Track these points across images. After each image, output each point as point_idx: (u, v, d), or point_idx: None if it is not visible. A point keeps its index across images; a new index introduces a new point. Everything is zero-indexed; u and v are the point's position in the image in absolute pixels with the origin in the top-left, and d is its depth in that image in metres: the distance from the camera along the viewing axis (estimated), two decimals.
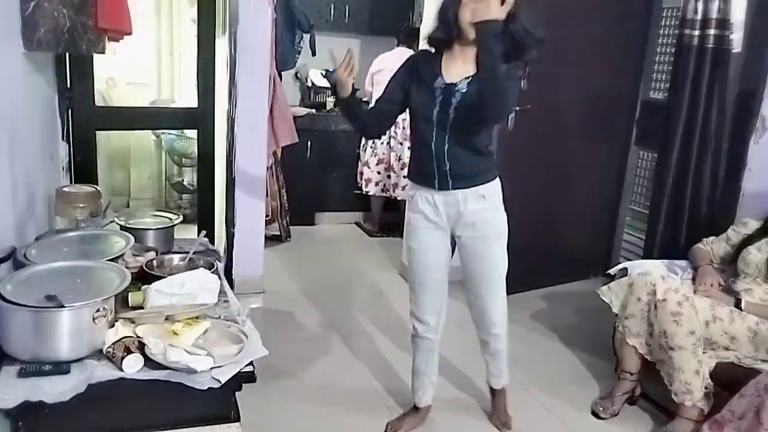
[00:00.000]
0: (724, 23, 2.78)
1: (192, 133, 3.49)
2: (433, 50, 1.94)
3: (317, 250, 4.21)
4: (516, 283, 3.49)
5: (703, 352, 2.14)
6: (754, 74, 2.83)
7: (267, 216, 3.85)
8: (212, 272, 1.71)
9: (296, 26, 3.69)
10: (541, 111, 3.22)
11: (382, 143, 4.37)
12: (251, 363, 1.39)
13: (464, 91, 1.84)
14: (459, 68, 1.87)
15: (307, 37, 3.99)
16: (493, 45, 1.68)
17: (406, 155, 4.19)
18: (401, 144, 4.27)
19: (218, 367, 1.33)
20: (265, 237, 3.66)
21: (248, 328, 1.50)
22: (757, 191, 2.73)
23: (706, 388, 2.14)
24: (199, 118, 3.13)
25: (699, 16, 2.82)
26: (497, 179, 1.99)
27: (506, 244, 2.06)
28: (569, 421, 2.37)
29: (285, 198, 4.10)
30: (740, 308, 2.22)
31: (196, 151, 3.28)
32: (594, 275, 3.71)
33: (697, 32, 2.84)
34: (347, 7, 4.77)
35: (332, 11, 4.76)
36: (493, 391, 2.30)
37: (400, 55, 3.99)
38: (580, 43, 3.33)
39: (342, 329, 2.99)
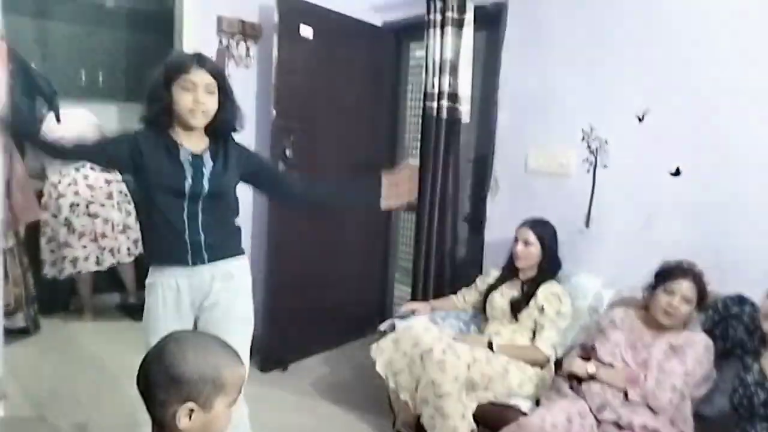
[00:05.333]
0: (454, 97, 3.16)
1: None
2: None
3: (73, 340, 3.72)
4: (296, 351, 3.50)
5: (466, 395, 2.31)
6: (485, 141, 3.26)
7: (8, 305, 3.34)
8: None
9: (37, 93, 3.35)
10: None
11: (77, 216, 3.74)
12: None
13: (212, 165, 1.84)
14: (195, 139, 1.84)
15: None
16: None
17: (115, 216, 3.83)
18: (103, 205, 3.80)
19: None
20: (7, 330, 3.14)
21: None
22: (496, 241, 3.10)
23: (472, 431, 2.29)
24: None
25: (436, 90, 3.18)
26: (246, 259, 1.99)
27: (250, 341, 1.98)
28: None
29: (31, 283, 3.59)
30: (492, 349, 2.46)
31: None
32: (371, 332, 3.84)
33: (435, 104, 3.19)
34: (100, 72, 4.48)
35: (83, 76, 4.42)
36: None
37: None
38: (341, 114, 3.55)
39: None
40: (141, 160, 1.79)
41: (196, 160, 1.82)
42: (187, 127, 1.81)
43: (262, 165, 1.99)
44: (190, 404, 1.06)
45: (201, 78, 1.75)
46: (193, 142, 1.84)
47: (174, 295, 1.84)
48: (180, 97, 1.75)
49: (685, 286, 2.16)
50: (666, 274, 2.22)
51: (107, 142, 1.85)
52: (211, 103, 1.78)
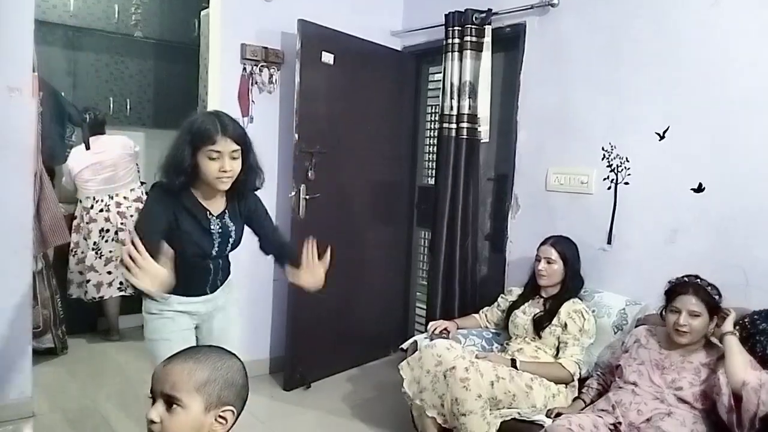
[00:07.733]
0: (473, 118, 3.21)
1: None
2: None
3: (100, 359, 3.78)
4: (318, 370, 3.51)
5: (490, 413, 2.30)
6: (505, 160, 3.28)
7: (37, 327, 3.41)
8: None
9: (66, 120, 3.46)
10: (329, 198, 3.38)
11: (106, 241, 3.91)
12: None
13: (235, 229, 2.03)
14: (216, 202, 1.99)
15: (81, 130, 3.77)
16: None
17: None
18: (131, 232, 3.91)
19: None
20: (36, 351, 3.21)
21: None
22: (518, 260, 3.11)
23: None
24: None
25: (454, 112, 3.23)
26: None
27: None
28: None
29: (59, 305, 3.66)
30: (516, 367, 2.45)
31: None
32: (394, 351, 3.85)
33: (453, 126, 3.24)
34: (128, 101, 4.61)
35: (111, 105, 4.56)
36: None
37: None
38: (361, 137, 3.61)
39: None
40: (177, 225, 1.91)
41: (224, 228, 2.00)
42: (211, 190, 1.93)
43: (261, 223, 2.12)
44: None
45: (226, 147, 1.82)
46: (214, 203, 1.98)
47: (188, 305, 2.05)
48: (206, 166, 1.83)
49: (687, 301, 2.12)
50: (670, 293, 2.20)
51: (158, 230, 1.86)
52: (236, 167, 1.87)
